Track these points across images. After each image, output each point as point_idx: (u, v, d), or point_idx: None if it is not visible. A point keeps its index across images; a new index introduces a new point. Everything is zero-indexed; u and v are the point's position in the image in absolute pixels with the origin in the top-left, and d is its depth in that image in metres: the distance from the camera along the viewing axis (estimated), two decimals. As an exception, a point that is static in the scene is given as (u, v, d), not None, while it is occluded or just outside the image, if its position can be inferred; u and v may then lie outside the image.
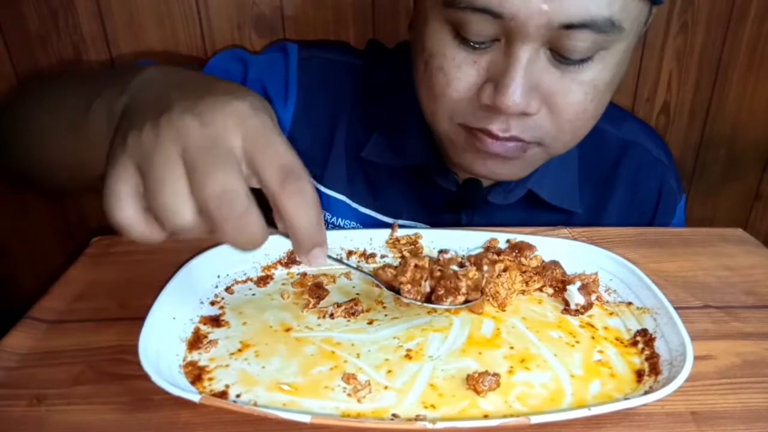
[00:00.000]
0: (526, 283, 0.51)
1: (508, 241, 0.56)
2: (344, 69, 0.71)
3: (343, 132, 0.69)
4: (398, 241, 0.56)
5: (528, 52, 0.49)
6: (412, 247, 0.56)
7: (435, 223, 0.68)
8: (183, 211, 0.33)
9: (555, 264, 0.53)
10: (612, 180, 0.71)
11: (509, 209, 0.66)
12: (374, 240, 0.57)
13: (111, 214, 0.34)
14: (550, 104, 0.52)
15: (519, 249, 0.54)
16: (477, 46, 0.50)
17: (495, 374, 0.41)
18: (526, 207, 0.67)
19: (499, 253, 0.53)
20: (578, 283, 0.50)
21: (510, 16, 0.47)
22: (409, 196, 0.68)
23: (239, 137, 0.34)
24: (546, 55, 0.50)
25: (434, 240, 0.57)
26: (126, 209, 0.34)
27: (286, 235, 0.37)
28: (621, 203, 0.71)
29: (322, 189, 0.69)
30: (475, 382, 0.40)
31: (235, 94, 0.36)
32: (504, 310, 0.49)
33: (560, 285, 0.51)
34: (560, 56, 0.50)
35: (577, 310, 0.49)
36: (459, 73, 0.52)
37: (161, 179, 0.33)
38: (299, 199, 0.34)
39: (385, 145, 0.66)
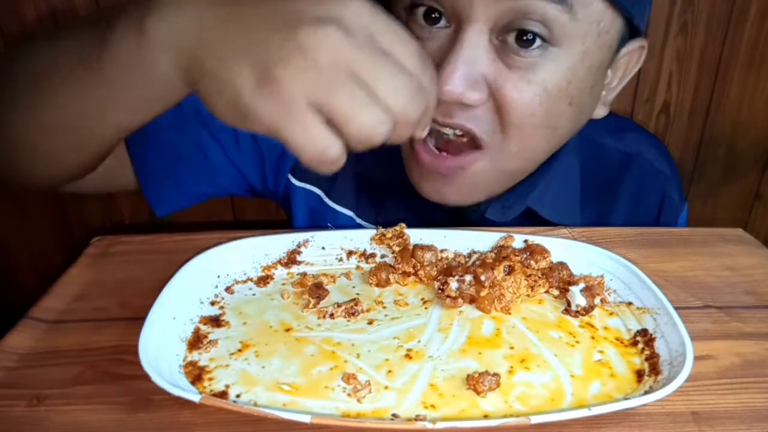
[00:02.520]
0: (531, 287, 0.51)
1: (525, 241, 0.55)
2: None
3: None
4: (384, 236, 0.56)
5: (473, 35, 0.47)
6: (400, 239, 0.56)
7: None
8: (384, 122, 0.35)
9: (562, 265, 0.53)
10: (614, 194, 0.70)
11: (507, 225, 0.65)
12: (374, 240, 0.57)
13: (321, 156, 0.35)
14: (496, 99, 0.50)
15: (531, 251, 0.53)
16: (430, 30, 0.50)
17: (495, 374, 0.41)
18: (525, 224, 0.66)
19: (506, 256, 0.52)
20: (581, 285, 0.50)
21: None
22: (410, 212, 0.67)
23: (377, 30, 0.36)
24: (494, 44, 0.49)
25: (434, 239, 0.57)
26: (333, 144, 0.35)
27: None
28: (622, 217, 0.70)
29: (331, 204, 0.69)
30: (475, 382, 0.40)
31: None
32: (509, 313, 0.49)
33: (566, 286, 0.52)
34: (509, 49, 0.48)
35: (577, 312, 0.49)
36: None
37: (338, 83, 0.33)
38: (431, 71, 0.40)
39: (383, 161, 0.66)
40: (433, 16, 0.50)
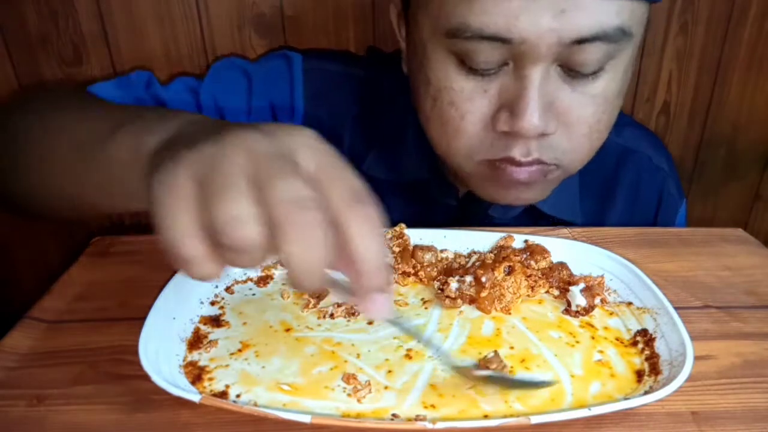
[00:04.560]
0: (532, 288, 0.51)
1: (525, 241, 0.55)
2: (347, 81, 0.70)
3: (345, 146, 0.68)
4: (383, 237, 0.56)
5: (540, 72, 0.48)
6: (400, 240, 0.56)
7: None
8: (249, 221, 0.29)
9: (562, 265, 0.53)
10: (613, 188, 0.70)
11: (509, 224, 0.65)
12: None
13: (176, 249, 0.30)
14: (564, 121, 0.51)
15: (531, 251, 0.53)
16: (485, 73, 0.49)
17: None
18: (526, 220, 0.66)
19: (506, 256, 0.52)
20: (582, 285, 0.50)
21: (520, 40, 0.46)
22: (410, 212, 0.67)
23: (307, 157, 0.32)
24: (557, 72, 0.49)
25: (434, 240, 0.57)
26: (193, 243, 0.30)
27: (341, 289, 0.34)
28: (621, 211, 0.71)
29: None
30: (487, 363, 0.41)
31: (299, 128, 0.34)
32: (509, 313, 0.49)
33: (566, 286, 0.52)
34: (571, 71, 0.49)
35: (577, 312, 0.49)
36: (471, 106, 0.51)
37: (227, 186, 0.29)
38: (368, 226, 0.31)
39: (385, 160, 0.66)
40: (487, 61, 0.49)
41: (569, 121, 0.51)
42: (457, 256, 0.55)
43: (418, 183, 0.65)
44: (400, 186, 0.66)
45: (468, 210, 0.65)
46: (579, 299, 0.49)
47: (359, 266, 0.31)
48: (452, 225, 0.64)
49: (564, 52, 0.47)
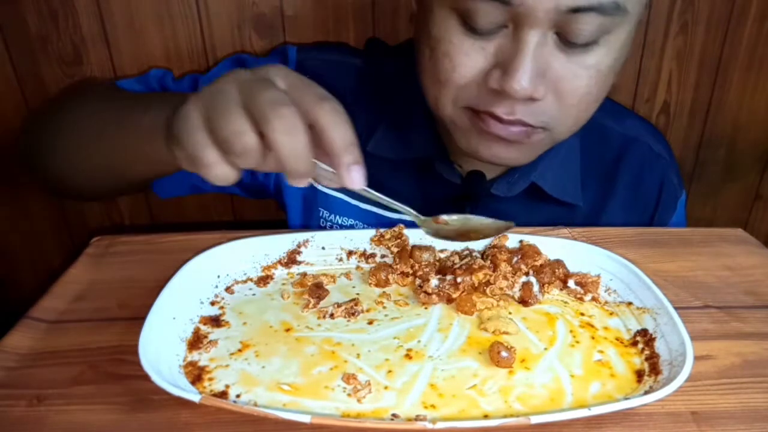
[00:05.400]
0: (506, 277, 0.52)
1: (521, 241, 0.55)
2: (343, 69, 0.71)
3: None
4: (383, 237, 0.56)
5: (536, 36, 0.49)
6: (398, 240, 0.56)
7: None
8: (246, 131, 0.38)
9: (558, 262, 0.53)
10: (614, 175, 0.71)
11: (512, 202, 0.66)
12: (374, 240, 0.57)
13: (197, 158, 0.39)
14: (555, 90, 0.53)
15: (523, 253, 0.54)
16: (484, 33, 0.51)
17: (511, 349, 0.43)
18: (528, 200, 0.67)
19: (493, 255, 0.53)
20: (525, 279, 0.51)
21: (519, 2, 0.48)
22: (411, 190, 0.68)
23: (281, 78, 0.41)
24: (553, 39, 0.50)
25: (434, 240, 0.57)
26: (208, 151, 0.39)
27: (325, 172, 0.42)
28: (623, 198, 0.71)
29: (321, 188, 0.69)
30: (497, 354, 0.42)
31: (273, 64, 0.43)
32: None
33: (563, 283, 0.52)
34: (566, 40, 0.50)
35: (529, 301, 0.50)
36: (466, 59, 0.52)
37: (226, 109, 0.39)
38: (336, 116, 0.39)
39: (391, 139, 0.67)
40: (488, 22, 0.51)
41: (560, 90, 0.53)
42: (453, 254, 0.55)
43: (423, 161, 0.66)
44: (406, 164, 0.67)
45: (471, 188, 0.66)
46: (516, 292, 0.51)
47: (334, 147, 0.40)
48: (454, 203, 0.65)
49: (560, 19, 0.49)
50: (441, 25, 0.53)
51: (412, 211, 0.48)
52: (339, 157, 0.40)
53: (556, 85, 0.52)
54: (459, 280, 0.50)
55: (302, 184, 0.41)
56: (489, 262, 0.52)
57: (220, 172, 0.40)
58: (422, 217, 0.49)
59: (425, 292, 0.50)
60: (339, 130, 0.39)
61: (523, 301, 0.50)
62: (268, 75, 0.41)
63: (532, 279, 0.51)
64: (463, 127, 0.57)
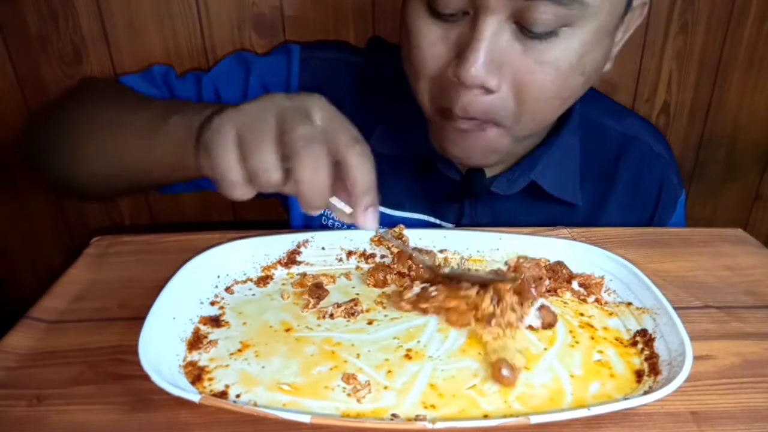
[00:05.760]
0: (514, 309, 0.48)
1: (513, 269, 0.53)
2: (344, 67, 0.71)
3: None
4: (383, 237, 0.56)
5: (493, 24, 0.49)
6: (398, 241, 0.56)
7: (437, 214, 0.68)
8: (274, 170, 0.41)
9: (560, 264, 0.53)
10: (613, 174, 0.71)
11: (511, 200, 0.66)
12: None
13: (224, 176, 0.42)
14: (512, 83, 0.52)
15: (519, 294, 0.48)
16: (449, 19, 0.51)
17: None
18: (528, 198, 0.67)
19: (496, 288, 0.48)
20: (540, 302, 0.49)
21: None
22: (411, 187, 0.69)
23: (318, 111, 0.44)
24: (511, 29, 0.50)
25: (434, 240, 0.57)
26: (235, 174, 0.42)
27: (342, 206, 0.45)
28: (622, 197, 0.71)
29: (332, 220, 0.70)
30: (498, 372, 0.41)
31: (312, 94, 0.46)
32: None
33: (567, 283, 0.52)
34: (524, 29, 0.49)
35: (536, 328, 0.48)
36: (433, 49, 0.52)
37: (261, 141, 0.41)
38: (364, 159, 0.43)
39: (391, 136, 0.67)
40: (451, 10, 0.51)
41: (516, 83, 0.52)
42: (447, 261, 0.55)
43: (423, 158, 0.66)
44: (406, 161, 0.67)
45: (471, 185, 0.66)
46: (534, 321, 0.48)
47: (355, 188, 0.43)
48: (453, 200, 0.66)
49: (516, 7, 0.48)
50: (412, 14, 0.53)
51: (425, 260, 0.52)
52: (358, 198, 0.43)
53: (512, 79, 0.52)
54: (433, 292, 0.48)
55: (313, 213, 0.43)
56: (493, 294, 0.47)
57: (239, 193, 0.43)
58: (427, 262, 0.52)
59: (402, 299, 0.49)
60: (363, 172, 0.42)
61: (549, 325, 0.48)
62: (306, 106, 0.43)
63: (545, 302, 0.49)
64: (437, 128, 0.58)
